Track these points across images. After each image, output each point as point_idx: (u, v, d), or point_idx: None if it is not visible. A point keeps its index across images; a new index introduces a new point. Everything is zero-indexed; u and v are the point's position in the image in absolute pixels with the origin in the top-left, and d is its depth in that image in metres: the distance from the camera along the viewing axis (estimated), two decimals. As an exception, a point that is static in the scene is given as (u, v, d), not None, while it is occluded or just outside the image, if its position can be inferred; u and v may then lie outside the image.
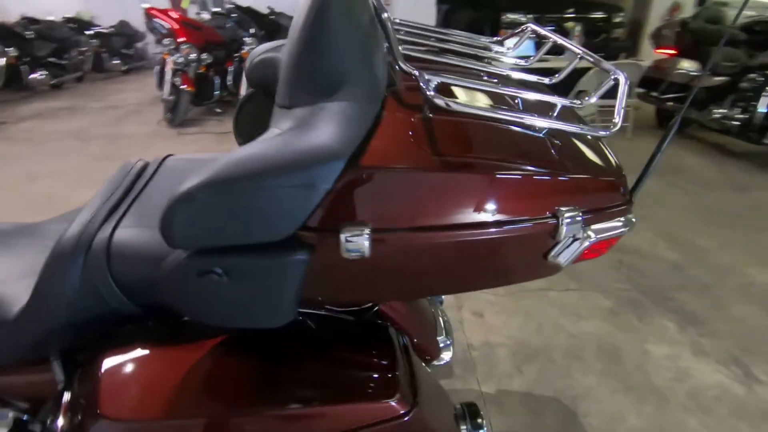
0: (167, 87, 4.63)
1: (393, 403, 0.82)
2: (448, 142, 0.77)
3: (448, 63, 0.97)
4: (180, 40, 4.61)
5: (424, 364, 1.28)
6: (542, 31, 1.07)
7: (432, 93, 0.72)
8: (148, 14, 4.76)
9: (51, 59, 6.14)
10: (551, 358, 1.84)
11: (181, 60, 4.60)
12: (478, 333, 1.96)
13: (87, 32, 6.94)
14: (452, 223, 0.73)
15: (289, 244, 0.68)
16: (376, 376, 0.88)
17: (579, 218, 0.75)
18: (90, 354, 0.85)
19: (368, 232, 0.66)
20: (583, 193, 0.79)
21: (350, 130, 0.70)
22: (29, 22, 6.36)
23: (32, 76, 5.82)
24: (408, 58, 0.96)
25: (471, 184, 0.73)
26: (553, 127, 0.79)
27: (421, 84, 0.73)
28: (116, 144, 4.24)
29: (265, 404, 0.81)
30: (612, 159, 0.87)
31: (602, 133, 0.80)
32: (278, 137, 0.71)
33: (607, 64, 0.85)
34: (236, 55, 5.06)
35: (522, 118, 0.77)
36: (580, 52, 0.92)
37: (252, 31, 5.05)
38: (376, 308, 1.08)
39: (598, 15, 4.92)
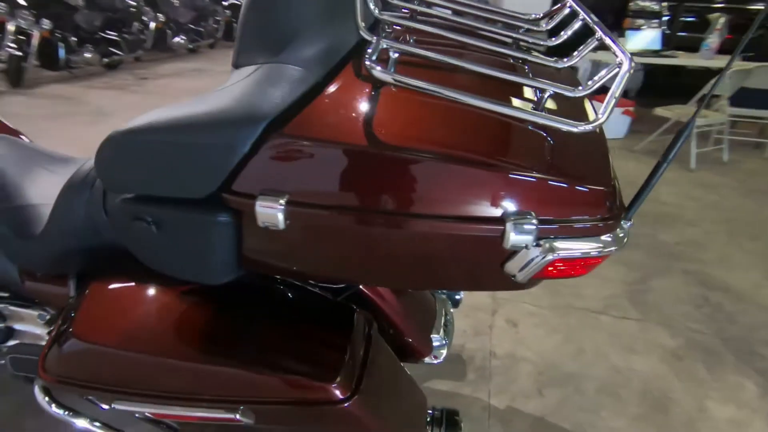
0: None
1: (329, 387, 0.80)
2: (390, 120, 0.70)
3: (444, 36, 0.88)
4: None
5: (410, 361, 1.24)
6: (576, 6, 0.90)
7: (371, 62, 0.66)
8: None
9: (191, 26, 6.93)
10: (581, 388, 1.65)
11: None
12: (505, 343, 1.83)
13: (223, 2, 7.69)
14: (379, 209, 0.67)
15: (211, 204, 0.68)
16: (322, 356, 0.86)
17: (532, 226, 0.63)
18: (91, 278, 0.97)
19: (283, 203, 0.63)
20: (548, 198, 0.67)
21: (277, 94, 0.67)
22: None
23: (174, 39, 6.65)
24: (397, 34, 0.89)
25: (405, 168, 0.66)
26: (513, 114, 0.68)
27: (367, 52, 0.67)
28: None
29: (210, 357, 0.84)
30: (605, 164, 0.72)
31: (577, 128, 0.66)
32: (208, 95, 0.71)
33: (619, 48, 0.69)
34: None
35: (478, 100, 0.66)
36: (600, 31, 0.76)
37: None
38: (354, 290, 1.06)
39: (755, 7, 4.08)
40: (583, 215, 0.68)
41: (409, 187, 0.66)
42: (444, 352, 1.24)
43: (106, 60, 5.58)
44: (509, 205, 0.66)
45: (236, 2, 7.85)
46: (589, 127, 0.65)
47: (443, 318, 1.30)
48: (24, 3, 4.67)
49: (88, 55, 5.29)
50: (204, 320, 0.89)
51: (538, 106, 0.72)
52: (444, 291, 1.51)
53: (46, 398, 0.93)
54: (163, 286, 0.92)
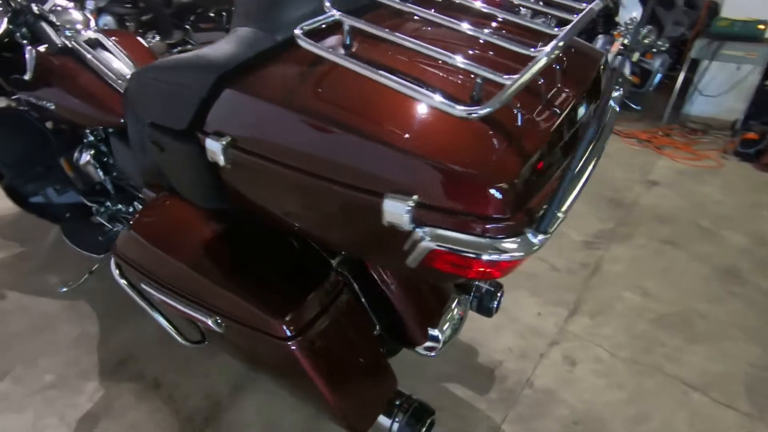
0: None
1: (275, 321, 0.89)
2: (315, 89, 0.75)
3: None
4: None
5: (403, 346, 1.23)
6: None
7: (300, 30, 0.70)
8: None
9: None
10: (621, 456, 1.38)
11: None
12: (550, 377, 1.63)
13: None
14: (291, 164, 0.72)
15: (186, 136, 0.82)
16: (283, 294, 0.94)
17: (405, 206, 0.61)
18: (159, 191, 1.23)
19: (223, 143, 0.74)
20: (434, 184, 0.63)
21: (233, 52, 0.77)
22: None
23: None
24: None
25: (314, 132, 0.70)
26: (406, 91, 0.63)
27: (313, 21, 0.71)
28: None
29: (205, 269, 1.00)
30: (516, 162, 0.64)
31: (460, 113, 0.60)
32: (203, 48, 0.85)
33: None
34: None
35: (385, 78, 0.65)
36: None
37: None
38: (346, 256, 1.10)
39: None
40: (470, 210, 0.63)
41: (316, 150, 0.72)
42: (438, 347, 1.19)
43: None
44: (395, 184, 0.65)
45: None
46: (468, 114, 0.60)
47: (450, 315, 1.24)
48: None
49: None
50: (213, 242, 1.06)
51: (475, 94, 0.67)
52: (477, 298, 1.43)
53: (116, 270, 1.22)
54: (191, 209, 1.11)
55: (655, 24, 4.05)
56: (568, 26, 0.71)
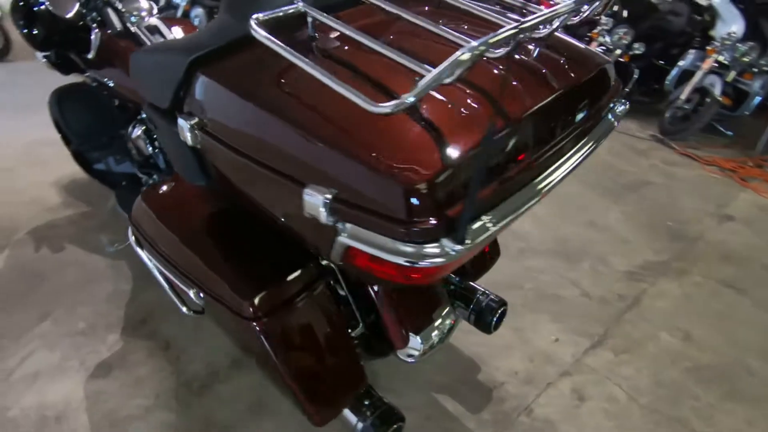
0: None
1: (243, 301, 0.94)
2: (262, 78, 0.78)
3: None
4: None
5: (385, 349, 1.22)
6: None
7: (254, 19, 0.71)
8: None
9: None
10: None
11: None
12: (553, 409, 1.53)
13: None
14: (240, 149, 0.76)
15: (168, 114, 0.88)
16: (255, 277, 0.98)
17: (320, 198, 0.61)
18: None
19: (190, 124, 0.79)
20: (351, 180, 0.63)
21: (206, 37, 0.81)
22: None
23: None
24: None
25: (260, 122, 0.73)
26: (334, 86, 0.63)
27: (254, 21, 0.72)
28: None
29: (193, 243, 1.07)
30: (433, 165, 0.59)
31: (374, 108, 0.57)
32: (193, 33, 0.91)
33: None
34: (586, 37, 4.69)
35: (322, 74, 0.66)
36: None
37: (612, 10, 4.48)
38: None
39: None
40: (383, 211, 0.61)
41: (259, 137, 0.76)
42: (416, 354, 1.17)
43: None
44: (318, 176, 0.65)
45: None
46: (381, 110, 0.58)
47: (439, 324, 1.21)
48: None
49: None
50: (205, 221, 1.13)
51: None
52: (476, 312, 1.38)
53: (132, 237, 1.34)
54: (193, 188, 1.18)
55: (759, 40, 3.59)
56: (521, 21, 0.66)
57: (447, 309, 1.24)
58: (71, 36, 1.58)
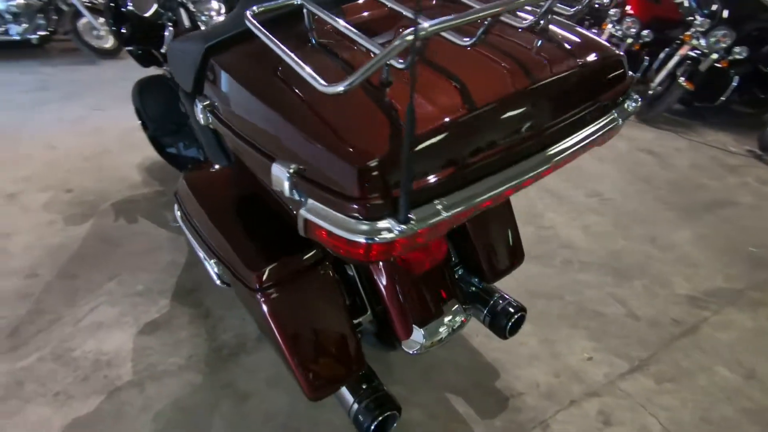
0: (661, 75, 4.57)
1: (250, 272, 1.02)
2: (253, 64, 0.86)
3: None
4: (627, 9, 4.37)
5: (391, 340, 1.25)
6: None
7: (249, 13, 0.76)
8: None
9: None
10: None
11: (618, 32, 4.40)
12: (571, 427, 1.44)
13: None
14: (235, 128, 0.82)
15: (190, 97, 0.98)
16: (265, 252, 1.06)
17: (285, 172, 0.65)
18: None
19: (203, 105, 0.87)
20: (310, 156, 0.68)
21: (222, 27, 0.88)
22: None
23: None
24: None
25: (248, 105, 0.78)
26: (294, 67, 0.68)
27: (249, 12, 0.77)
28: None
29: (218, 220, 1.18)
30: (383, 144, 0.64)
31: (325, 89, 0.60)
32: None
33: None
34: (678, 39, 4.28)
35: (291, 59, 0.71)
36: None
37: (710, 10, 4.01)
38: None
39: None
40: (333, 186, 0.63)
41: (247, 116, 0.83)
42: (418, 346, 1.18)
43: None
44: (284, 152, 0.69)
45: None
46: (331, 90, 0.60)
47: (448, 320, 1.21)
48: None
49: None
50: (230, 200, 1.23)
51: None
52: (491, 314, 1.35)
53: (178, 212, 1.49)
54: (224, 169, 1.29)
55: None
56: (478, 8, 0.66)
57: (456, 306, 1.23)
58: (149, 33, 1.79)
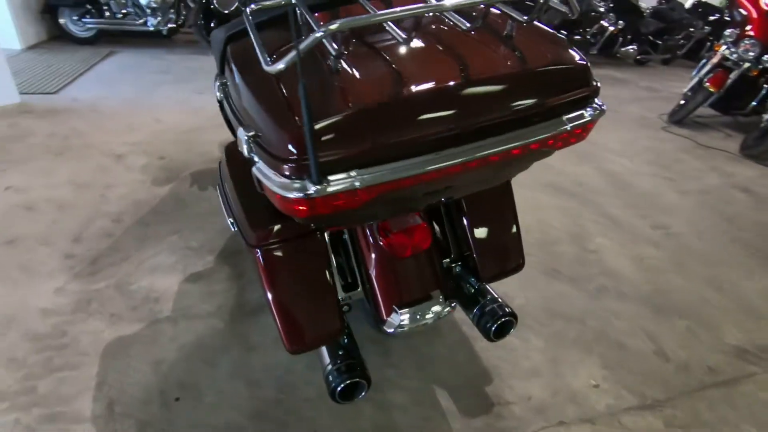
0: (693, 81, 4.24)
1: (250, 230, 1.19)
2: (247, 50, 1.00)
3: None
4: (747, 31, 3.94)
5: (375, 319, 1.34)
6: None
7: (247, 10, 0.90)
8: (734, -1, 4.25)
9: (650, 37, 6.63)
10: None
11: (733, 55, 3.99)
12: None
13: (711, 18, 6.77)
14: (231, 105, 0.97)
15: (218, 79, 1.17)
16: (267, 217, 1.23)
17: (245, 138, 0.78)
18: None
19: (219, 83, 1.05)
20: (262, 124, 0.81)
21: (239, 20, 1.03)
22: (666, 0, 6.94)
23: (623, 48, 6.61)
24: None
25: (236, 83, 0.93)
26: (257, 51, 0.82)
27: (248, 9, 0.91)
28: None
29: (235, 187, 1.36)
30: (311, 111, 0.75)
31: (268, 68, 0.77)
32: None
33: None
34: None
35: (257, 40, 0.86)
36: None
37: None
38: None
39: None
40: (274, 150, 0.75)
41: (236, 93, 0.98)
42: (393, 328, 1.26)
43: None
44: (247, 120, 0.82)
45: (722, 18, 6.73)
46: (270, 68, 0.71)
47: (423, 307, 1.27)
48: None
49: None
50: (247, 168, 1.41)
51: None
52: (479, 315, 1.37)
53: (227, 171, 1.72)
54: None
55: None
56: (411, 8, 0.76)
57: (438, 296, 1.28)
58: None
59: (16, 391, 1.44)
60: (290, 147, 0.78)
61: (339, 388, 1.18)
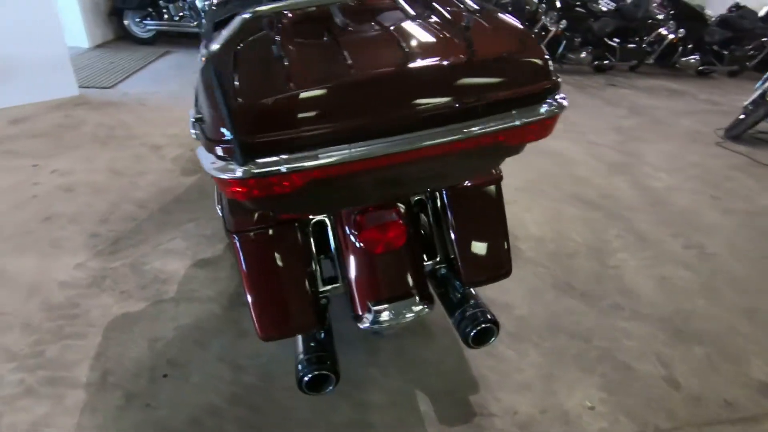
0: (756, 93, 3.92)
1: (232, 219, 1.23)
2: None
3: None
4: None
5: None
6: None
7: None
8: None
9: (715, 47, 6.17)
10: None
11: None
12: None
13: (783, 27, 6.21)
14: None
15: None
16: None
17: (191, 119, 0.82)
18: None
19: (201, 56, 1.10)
20: (201, 106, 0.89)
21: (230, 8, 1.06)
22: (736, 8, 6.46)
23: (684, 58, 6.20)
24: None
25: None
26: None
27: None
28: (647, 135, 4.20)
29: None
30: (248, 94, 0.80)
31: (205, 51, 0.75)
32: None
33: None
34: None
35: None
36: None
37: None
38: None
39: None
40: (208, 131, 0.76)
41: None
42: (366, 324, 1.24)
43: (596, 62, 6.08)
44: (196, 102, 0.85)
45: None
46: (205, 52, 0.72)
47: (396, 306, 1.25)
48: (558, 6, 5.79)
49: (582, 55, 5.95)
50: None
51: None
52: (459, 319, 1.33)
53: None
54: None
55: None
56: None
57: (413, 297, 1.25)
58: None
59: (26, 354, 1.57)
60: (220, 129, 0.81)
61: (306, 378, 1.19)
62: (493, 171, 1.32)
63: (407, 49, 0.90)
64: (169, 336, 1.66)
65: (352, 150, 0.83)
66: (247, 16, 0.76)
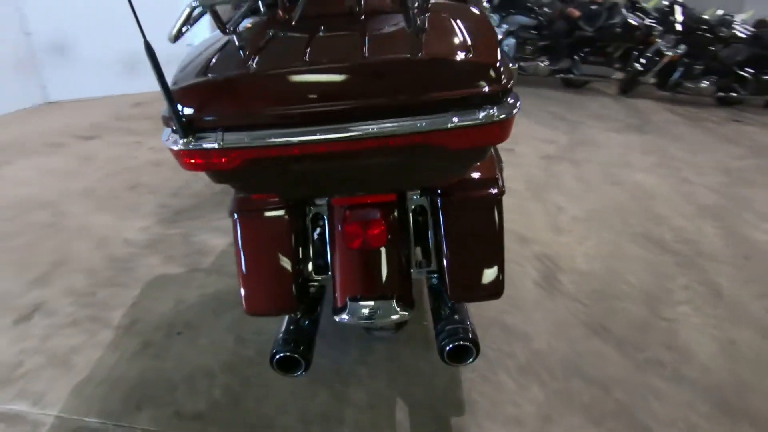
0: None
1: (234, 199, 1.35)
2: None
3: None
4: None
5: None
6: None
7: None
8: None
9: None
10: None
11: None
12: None
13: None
14: None
15: None
16: None
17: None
18: None
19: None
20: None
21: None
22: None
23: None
24: None
25: None
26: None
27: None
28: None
29: None
30: (197, 77, 0.89)
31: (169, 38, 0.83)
32: None
33: None
34: None
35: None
36: None
37: None
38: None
39: None
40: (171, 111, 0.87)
41: None
42: (341, 317, 1.26)
43: (721, 94, 5.37)
44: None
45: None
46: (169, 36, 0.80)
47: (370, 305, 1.25)
48: (677, 29, 5.25)
49: (703, 84, 5.31)
50: None
51: None
52: (440, 331, 1.29)
53: None
54: None
55: None
56: None
57: (390, 301, 1.24)
58: None
59: (82, 293, 1.85)
60: (176, 104, 0.90)
61: (277, 356, 1.23)
62: (495, 187, 1.26)
63: (358, 46, 0.93)
64: (192, 300, 1.84)
65: (287, 135, 0.87)
66: (194, 5, 0.86)
